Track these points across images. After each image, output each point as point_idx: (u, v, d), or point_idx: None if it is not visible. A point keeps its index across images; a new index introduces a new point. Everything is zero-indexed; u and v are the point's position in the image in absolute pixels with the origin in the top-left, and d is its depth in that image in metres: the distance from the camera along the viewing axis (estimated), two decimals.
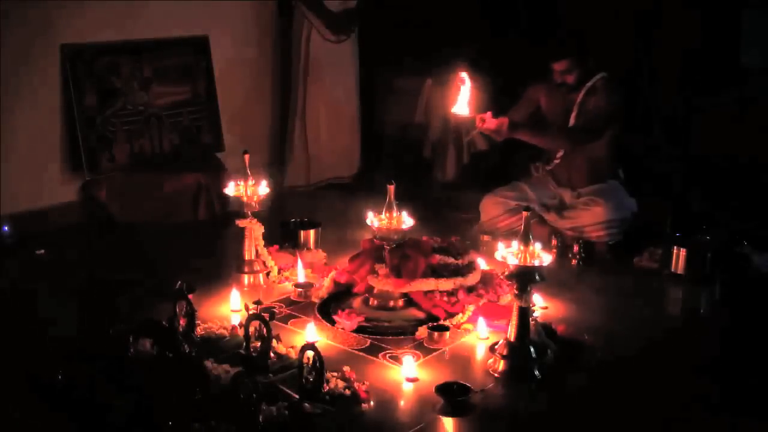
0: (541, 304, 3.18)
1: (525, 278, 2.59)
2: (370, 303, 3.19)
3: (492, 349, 2.77)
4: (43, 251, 3.95)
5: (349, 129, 5.49)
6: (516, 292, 2.62)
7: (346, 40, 5.32)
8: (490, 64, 4.80)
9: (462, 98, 3.54)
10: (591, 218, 3.91)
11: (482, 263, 3.45)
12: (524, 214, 2.60)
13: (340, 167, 5.46)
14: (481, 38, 5.25)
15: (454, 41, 5.14)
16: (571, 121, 4.03)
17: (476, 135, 4.07)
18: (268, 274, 3.52)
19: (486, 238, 4.00)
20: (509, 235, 2.90)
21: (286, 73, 5.47)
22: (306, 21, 5.22)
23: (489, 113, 3.68)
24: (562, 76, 4.01)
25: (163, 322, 2.81)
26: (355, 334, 2.97)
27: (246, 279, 3.46)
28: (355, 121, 5.52)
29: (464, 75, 3.49)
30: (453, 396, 2.47)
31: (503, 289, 3.26)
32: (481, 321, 2.98)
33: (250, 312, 2.62)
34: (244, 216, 3.44)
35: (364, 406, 2.45)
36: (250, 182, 3.44)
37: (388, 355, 2.80)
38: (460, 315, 3.06)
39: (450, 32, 5.27)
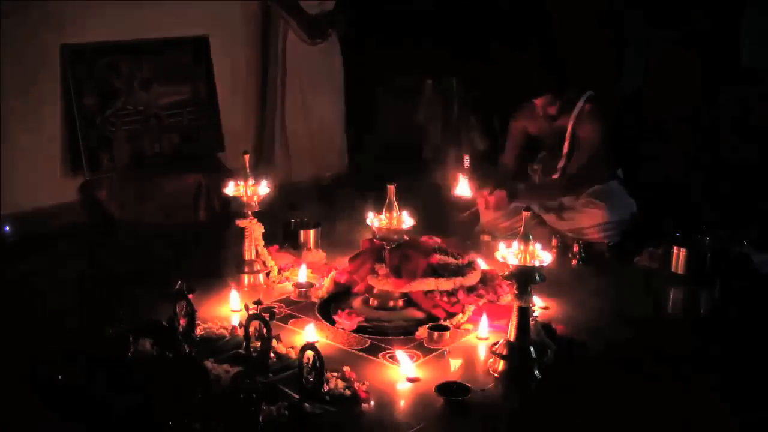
0: (541, 304, 3.18)
1: (525, 278, 2.59)
2: (370, 303, 3.18)
3: (492, 349, 2.77)
4: None
5: (330, 128, 5.45)
6: (516, 292, 2.62)
7: (322, 43, 5.28)
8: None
9: (463, 181, 3.91)
10: (590, 220, 3.92)
11: (482, 263, 3.45)
12: (524, 214, 2.60)
13: (321, 167, 5.44)
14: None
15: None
16: (565, 149, 4.05)
17: (475, 210, 4.18)
18: (268, 274, 3.52)
19: (486, 238, 4.00)
20: (509, 236, 2.90)
21: (266, 73, 5.45)
22: (282, 21, 5.19)
23: (486, 191, 3.86)
24: (544, 109, 4.02)
25: (163, 322, 2.82)
26: (355, 334, 2.97)
27: (246, 279, 3.46)
28: (338, 121, 5.49)
29: (466, 159, 3.64)
30: (453, 396, 2.47)
31: (503, 289, 3.26)
32: (482, 321, 2.98)
33: (250, 312, 2.61)
34: (244, 216, 3.45)
35: (364, 406, 2.45)
36: (250, 182, 3.44)
37: (388, 355, 2.80)
38: (460, 315, 3.06)
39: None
